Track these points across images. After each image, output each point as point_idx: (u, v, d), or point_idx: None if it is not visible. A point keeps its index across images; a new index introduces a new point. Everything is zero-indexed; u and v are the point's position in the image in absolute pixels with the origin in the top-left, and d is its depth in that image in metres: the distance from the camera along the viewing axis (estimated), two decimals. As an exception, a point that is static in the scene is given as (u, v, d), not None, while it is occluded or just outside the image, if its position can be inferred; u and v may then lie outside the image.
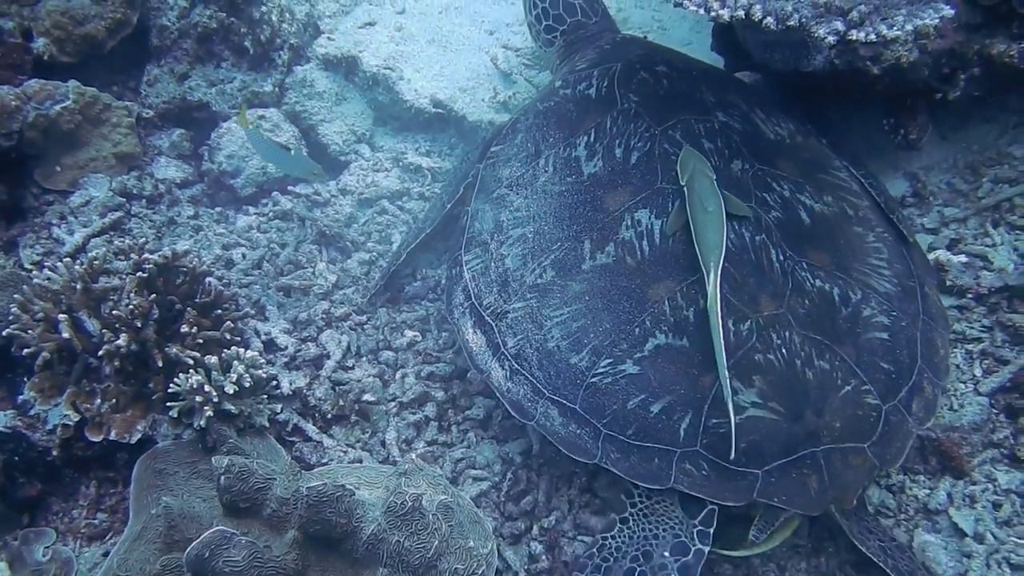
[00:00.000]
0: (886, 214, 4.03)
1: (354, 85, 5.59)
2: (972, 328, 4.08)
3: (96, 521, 3.86)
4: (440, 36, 5.77)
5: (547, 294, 3.75)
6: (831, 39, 3.19)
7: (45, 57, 4.96)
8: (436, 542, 3.18)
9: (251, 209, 5.05)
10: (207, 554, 2.97)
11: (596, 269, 3.72)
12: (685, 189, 3.66)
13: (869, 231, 3.90)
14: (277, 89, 5.45)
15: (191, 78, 5.32)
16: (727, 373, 3.25)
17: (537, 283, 3.79)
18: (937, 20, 3.18)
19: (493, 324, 3.85)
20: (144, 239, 4.33)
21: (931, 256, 4.22)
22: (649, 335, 3.53)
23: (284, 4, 5.48)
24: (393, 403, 4.18)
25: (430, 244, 4.61)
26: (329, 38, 5.60)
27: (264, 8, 5.26)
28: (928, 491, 3.76)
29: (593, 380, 3.55)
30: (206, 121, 5.34)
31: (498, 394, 3.78)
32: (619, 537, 3.55)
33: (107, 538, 3.83)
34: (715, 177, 3.67)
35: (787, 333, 3.48)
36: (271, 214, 5.00)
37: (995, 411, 3.86)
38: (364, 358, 4.34)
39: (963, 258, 4.19)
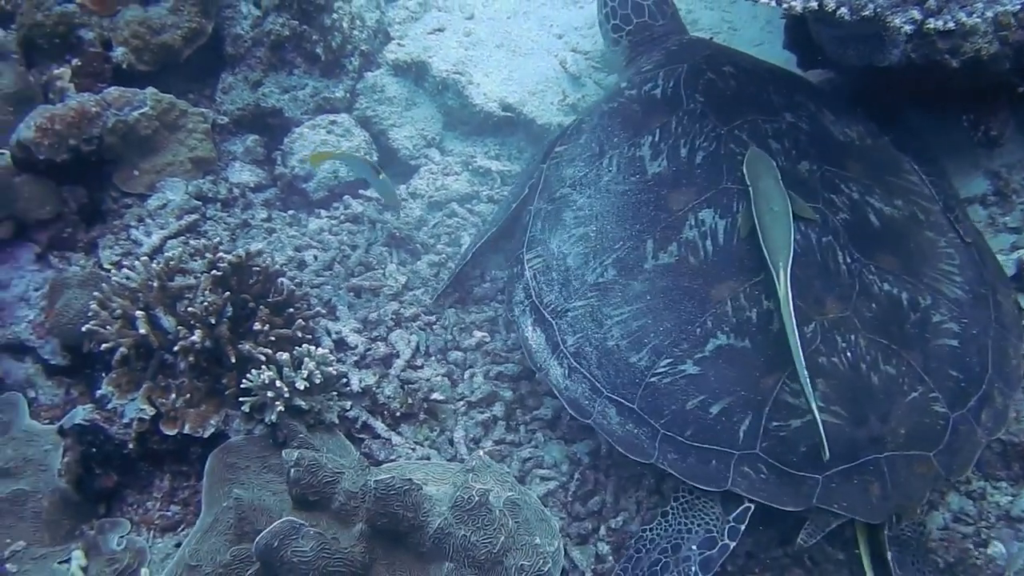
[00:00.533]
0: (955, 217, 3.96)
1: (424, 90, 5.61)
2: (1058, 330, 3.94)
3: (169, 513, 3.94)
4: (509, 41, 5.77)
5: (608, 293, 3.74)
6: (908, 28, 3.12)
7: (124, 66, 5.08)
8: (502, 538, 3.17)
9: (323, 212, 5.10)
10: (276, 543, 3.00)
11: (658, 269, 3.69)
12: (750, 189, 3.63)
13: (941, 236, 3.82)
14: (348, 95, 5.49)
15: (264, 85, 5.39)
16: (806, 373, 3.19)
17: (598, 282, 3.78)
18: (1018, 6, 3.10)
19: (553, 322, 3.85)
20: (219, 240, 4.39)
21: (1015, 255, 4.11)
22: (710, 336, 3.50)
23: (355, 11, 5.52)
24: (461, 402, 4.19)
25: (498, 246, 4.61)
26: (399, 44, 5.63)
27: (335, 15, 5.32)
28: (1011, 498, 3.65)
29: (652, 380, 3.53)
30: (279, 127, 5.40)
31: (556, 392, 3.78)
32: (656, 529, 3.57)
33: (180, 530, 3.90)
34: (781, 177, 3.63)
35: (853, 336, 3.42)
36: (342, 217, 5.03)
37: (1082, 414, 3.74)
38: (433, 357, 4.35)
39: (1048, 257, 4.07)
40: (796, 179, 3.76)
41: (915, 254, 3.71)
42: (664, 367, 3.52)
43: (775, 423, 3.34)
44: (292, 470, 3.29)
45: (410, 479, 3.19)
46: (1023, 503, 3.60)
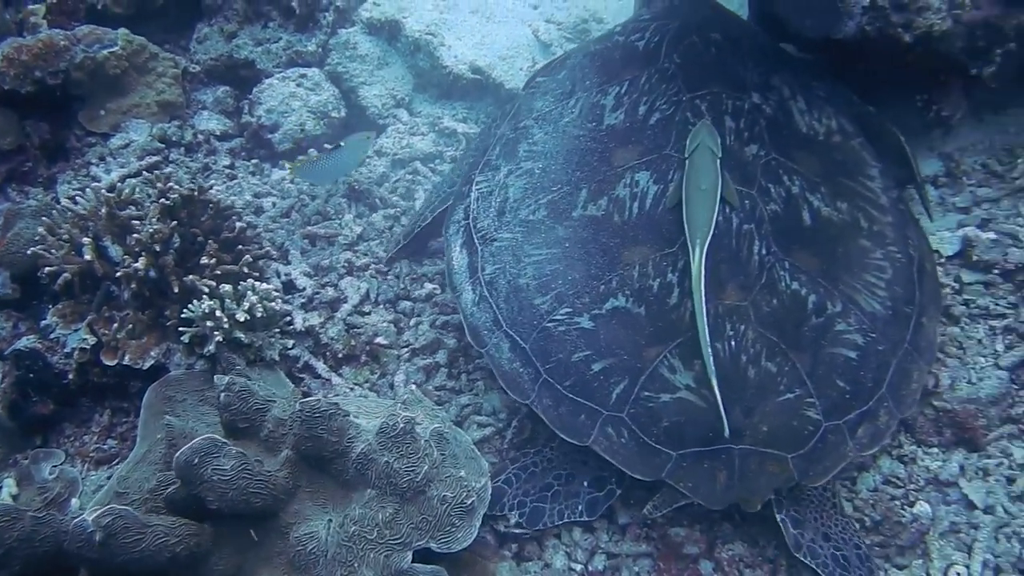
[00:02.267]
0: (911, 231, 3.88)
1: (396, 50, 5.65)
2: (997, 305, 3.96)
3: (106, 447, 3.94)
4: (484, 7, 5.82)
5: (534, 232, 3.76)
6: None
7: (99, 6, 5.15)
8: (426, 467, 3.16)
9: (287, 164, 5.11)
10: (196, 460, 2.97)
11: (584, 219, 3.71)
12: (687, 161, 3.64)
13: (878, 248, 3.70)
14: (320, 49, 5.52)
15: (239, 37, 5.43)
16: (710, 351, 3.24)
17: (529, 219, 3.79)
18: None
19: (480, 248, 3.87)
20: (171, 172, 4.42)
21: (959, 232, 4.13)
22: (611, 295, 3.52)
23: (333, -32, 5.58)
24: (406, 349, 4.20)
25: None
26: (375, 3, 5.66)
27: (312, -31, 5.37)
28: (940, 463, 3.65)
29: (548, 325, 3.55)
30: (251, 79, 5.43)
31: (462, 316, 3.82)
32: (557, 449, 3.64)
33: (114, 463, 3.89)
34: (720, 156, 3.64)
35: (742, 326, 3.40)
36: (307, 169, 5.05)
37: (1015, 386, 3.74)
38: (382, 305, 4.37)
39: (992, 235, 4.07)
40: (738, 161, 3.75)
41: (840, 260, 3.63)
42: (562, 315, 3.54)
43: (647, 393, 3.36)
44: (223, 394, 3.28)
45: (336, 403, 3.19)
46: (952, 468, 3.60)
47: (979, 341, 3.90)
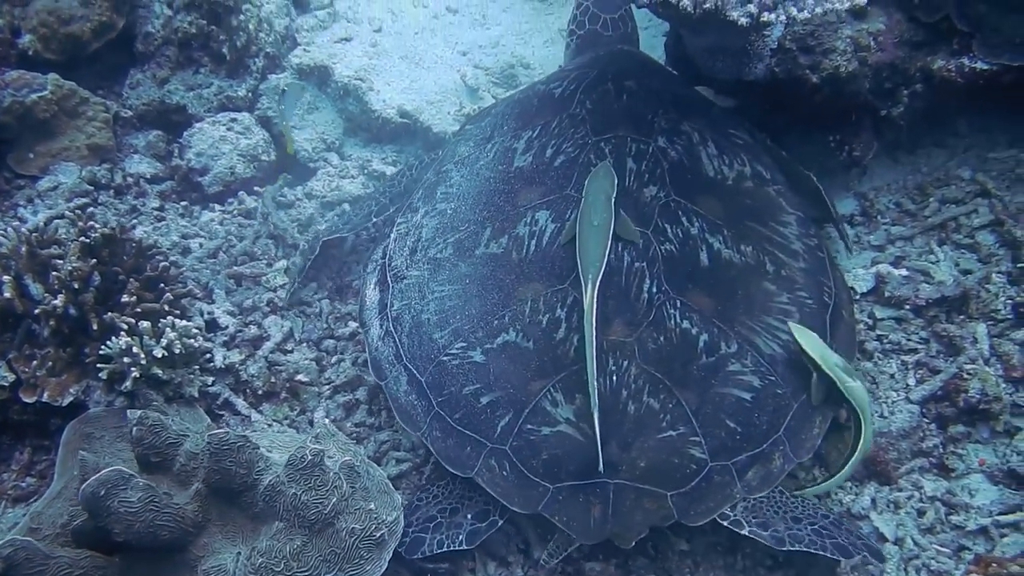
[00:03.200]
0: (827, 275, 3.91)
1: (326, 96, 5.74)
2: (910, 340, 4.05)
3: (24, 484, 3.89)
4: (413, 54, 5.94)
5: (439, 269, 3.85)
6: (744, 21, 3.23)
7: (30, 53, 5.16)
8: (334, 499, 3.15)
9: (216, 206, 5.15)
10: (103, 492, 2.95)
11: (485, 257, 3.80)
12: (583, 200, 3.71)
13: (785, 292, 3.72)
14: (250, 94, 5.59)
15: (171, 83, 5.48)
16: (596, 384, 3.27)
17: (436, 257, 3.89)
18: (847, 4, 3.22)
19: (391, 285, 3.97)
20: (93, 211, 4.43)
21: (873, 269, 4.23)
22: (503, 330, 3.60)
23: (263, 16, 5.66)
24: (327, 386, 4.22)
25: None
26: (305, 50, 5.78)
27: (242, 17, 5.44)
28: (853, 496, 3.71)
29: (444, 359, 3.63)
30: (182, 124, 5.47)
31: (367, 350, 3.91)
32: (446, 487, 3.66)
33: (32, 500, 3.83)
34: (615, 195, 3.69)
35: (625, 363, 3.45)
36: (235, 212, 5.09)
37: (926, 420, 3.81)
38: (305, 344, 4.39)
39: (904, 272, 4.19)
40: (635, 202, 3.80)
41: (740, 301, 3.65)
42: (457, 349, 3.61)
43: (529, 426, 3.41)
44: (135, 429, 3.27)
45: (245, 435, 3.18)
46: (864, 501, 3.66)
47: (891, 376, 3.99)
